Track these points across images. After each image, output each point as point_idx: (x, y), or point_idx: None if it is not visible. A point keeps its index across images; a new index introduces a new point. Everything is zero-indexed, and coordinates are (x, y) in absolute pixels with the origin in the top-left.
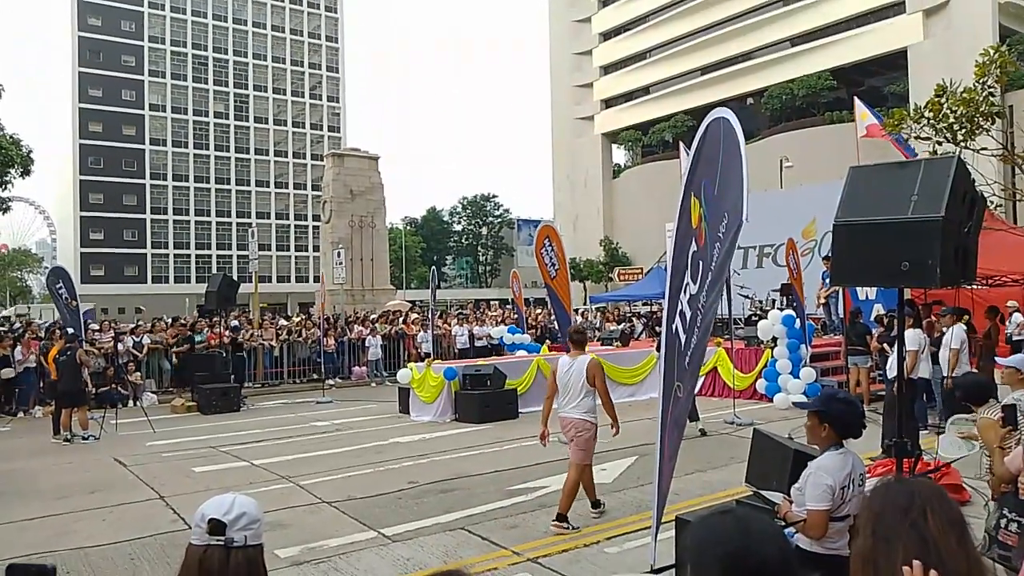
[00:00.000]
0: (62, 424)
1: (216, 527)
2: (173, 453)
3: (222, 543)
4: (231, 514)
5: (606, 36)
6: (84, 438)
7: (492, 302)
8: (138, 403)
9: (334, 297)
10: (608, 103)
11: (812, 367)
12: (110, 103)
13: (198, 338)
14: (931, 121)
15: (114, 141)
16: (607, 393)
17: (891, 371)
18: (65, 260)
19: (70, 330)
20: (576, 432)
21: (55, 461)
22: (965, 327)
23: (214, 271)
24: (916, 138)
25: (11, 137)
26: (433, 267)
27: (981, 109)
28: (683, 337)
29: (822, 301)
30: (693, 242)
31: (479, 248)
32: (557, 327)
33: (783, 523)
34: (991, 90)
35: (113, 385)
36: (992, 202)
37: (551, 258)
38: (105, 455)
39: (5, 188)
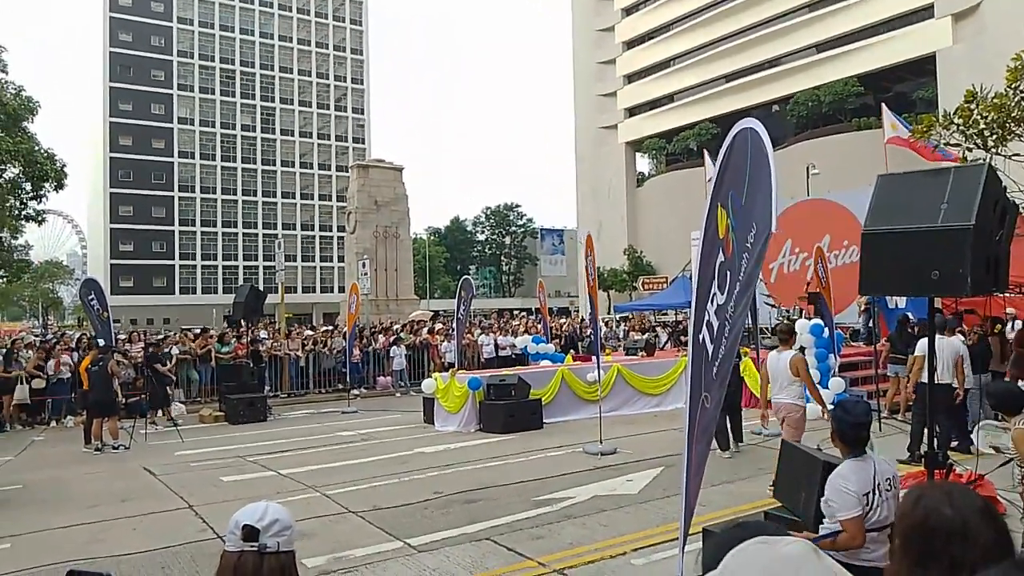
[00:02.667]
0: (93, 434)
1: (250, 533)
2: (201, 463)
3: (256, 549)
4: (264, 520)
5: (630, 44)
6: (114, 447)
7: (516, 311)
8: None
9: (363, 306)
10: (632, 111)
11: (841, 377)
12: (140, 117)
13: (225, 349)
14: (961, 127)
15: (143, 154)
16: (811, 379)
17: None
18: (95, 271)
19: (101, 341)
20: (786, 413)
21: (86, 470)
22: (966, 338)
23: (241, 282)
24: (946, 145)
25: (46, 152)
26: (466, 277)
27: (1013, 114)
28: (711, 347)
29: (863, 309)
30: (720, 252)
31: (502, 257)
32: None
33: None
34: (1023, 95)
35: (142, 396)
36: None
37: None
38: (135, 464)
39: (40, 201)
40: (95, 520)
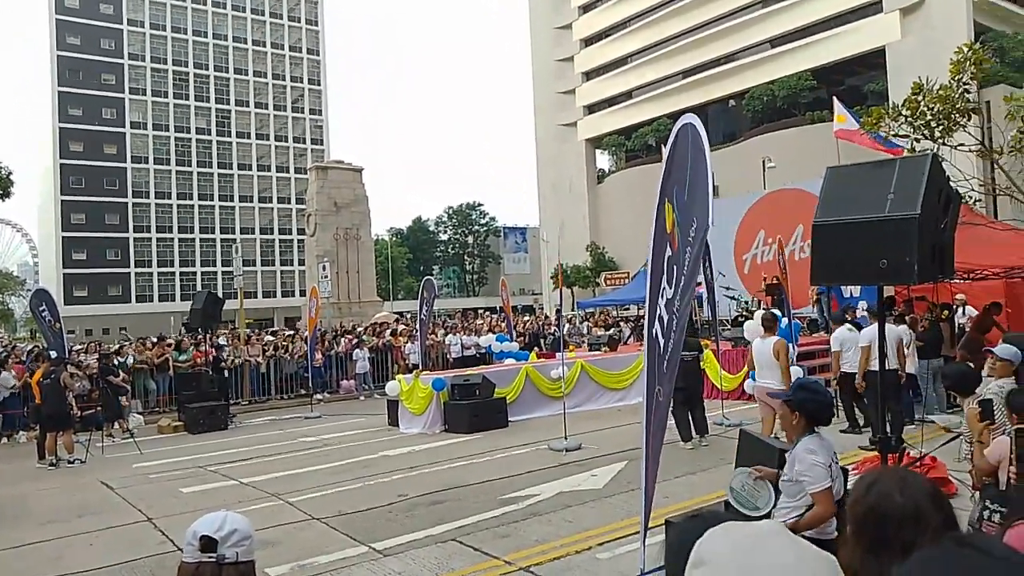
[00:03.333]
0: (47, 448)
1: (208, 544)
2: (160, 474)
3: (214, 560)
4: (223, 531)
5: (587, 42)
6: (70, 462)
7: (480, 311)
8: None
9: (324, 310)
10: (591, 109)
11: (799, 366)
12: (91, 121)
13: (183, 357)
14: (909, 119)
15: (95, 160)
16: (787, 363)
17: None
18: (47, 282)
19: (53, 353)
20: (771, 398)
21: (41, 486)
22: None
23: (199, 288)
24: (895, 136)
25: None
26: (428, 278)
27: (957, 106)
28: (662, 341)
29: (814, 298)
30: (668, 247)
31: (466, 257)
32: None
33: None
34: (967, 87)
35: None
36: (972, 197)
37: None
38: (91, 478)
39: None
40: (50, 537)
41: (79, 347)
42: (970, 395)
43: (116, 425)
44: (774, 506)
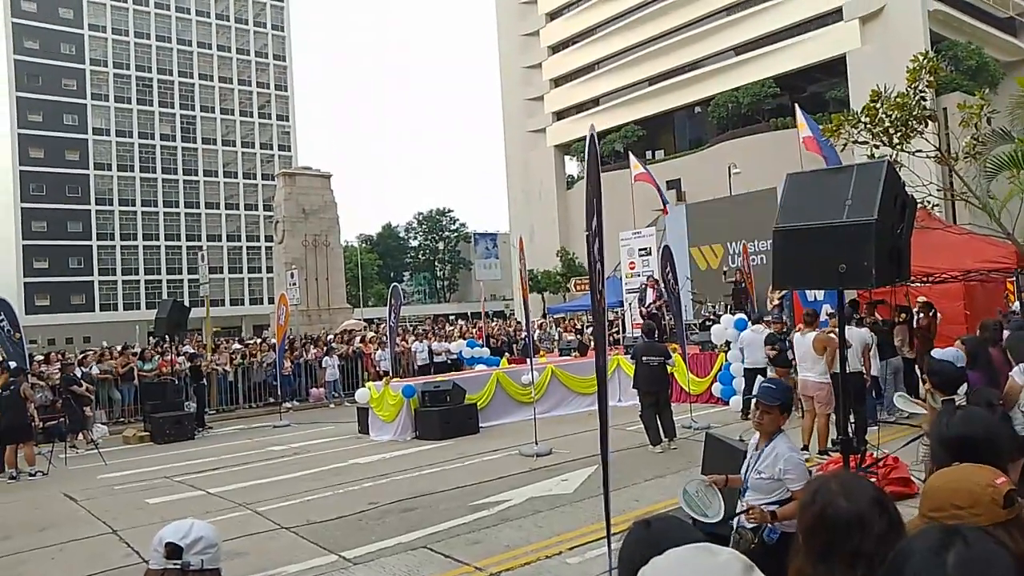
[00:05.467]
0: (7, 461)
1: (173, 551)
2: (125, 485)
3: (179, 567)
4: (188, 538)
5: (555, 49)
6: (31, 474)
7: (452, 317)
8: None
9: (293, 317)
10: (559, 115)
11: None
12: (52, 128)
13: (148, 366)
14: (868, 126)
15: (57, 167)
16: (834, 356)
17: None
18: (7, 291)
19: (13, 364)
20: (815, 392)
21: (1, 500)
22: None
23: (165, 296)
24: (854, 142)
25: None
26: (395, 284)
27: (914, 113)
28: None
29: (776, 303)
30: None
31: (436, 263)
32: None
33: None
34: (923, 94)
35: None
36: (929, 202)
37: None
38: (54, 491)
39: None
40: (10, 552)
41: (40, 357)
42: (952, 394)
43: (80, 436)
44: (722, 520)
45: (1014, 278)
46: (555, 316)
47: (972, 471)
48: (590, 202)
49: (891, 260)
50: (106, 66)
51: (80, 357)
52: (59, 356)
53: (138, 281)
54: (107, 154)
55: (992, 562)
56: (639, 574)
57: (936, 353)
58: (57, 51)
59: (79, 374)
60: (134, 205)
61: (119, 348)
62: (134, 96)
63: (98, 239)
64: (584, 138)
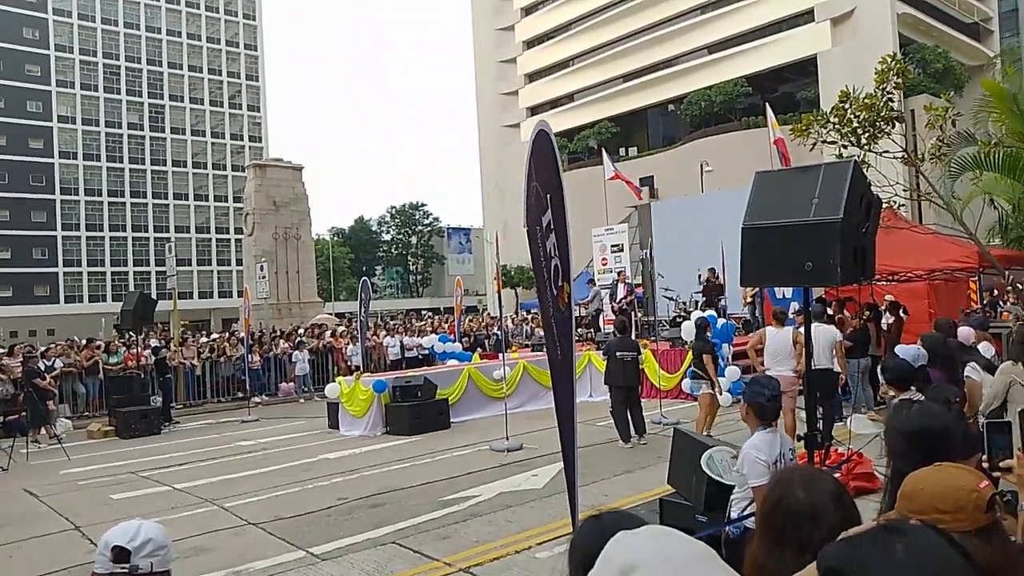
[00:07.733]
0: None
1: (120, 554)
2: (89, 481)
3: (126, 571)
4: (136, 541)
5: (530, 44)
6: None
7: (424, 311)
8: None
9: (258, 312)
10: (534, 111)
11: (735, 365)
12: (14, 114)
13: (113, 359)
14: (836, 126)
15: (20, 155)
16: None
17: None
18: None
19: None
20: (786, 387)
21: None
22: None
23: (131, 289)
24: (823, 142)
25: None
26: (364, 278)
27: (882, 114)
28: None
29: (748, 300)
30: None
31: (409, 258)
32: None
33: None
34: (890, 96)
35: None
36: (896, 202)
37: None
38: (15, 487)
39: None
40: None
41: (2, 350)
42: (906, 391)
43: (42, 431)
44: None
45: (976, 278)
46: (529, 311)
47: (955, 473)
48: (533, 197)
49: (856, 259)
50: (72, 52)
51: (43, 350)
52: (22, 348)
53: (104, 273)
54: (72, 142)
55: (939, 551)
56: (603, 552)
57: (898, 350)
58: (19, 36)
59: (42, 367)
60: (100, 195)
61: (84, 341)
62: (101, 84)
63: (63, 229)
64: (556, 134)
